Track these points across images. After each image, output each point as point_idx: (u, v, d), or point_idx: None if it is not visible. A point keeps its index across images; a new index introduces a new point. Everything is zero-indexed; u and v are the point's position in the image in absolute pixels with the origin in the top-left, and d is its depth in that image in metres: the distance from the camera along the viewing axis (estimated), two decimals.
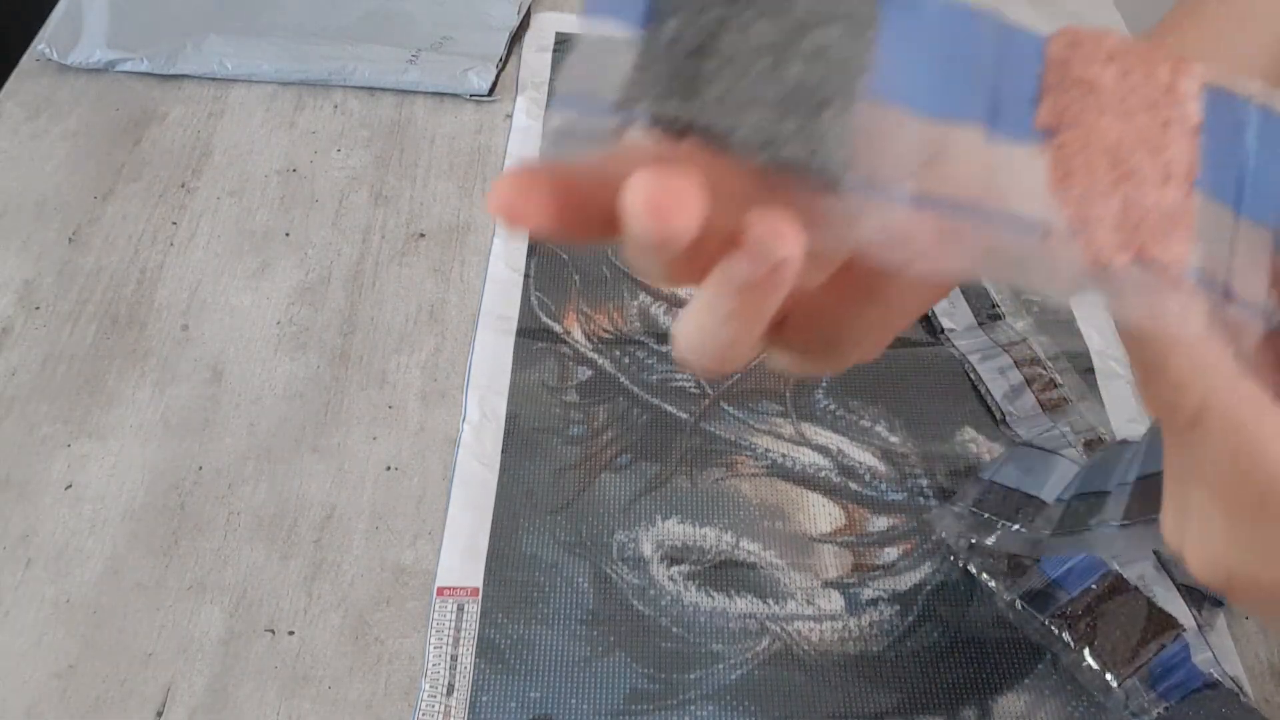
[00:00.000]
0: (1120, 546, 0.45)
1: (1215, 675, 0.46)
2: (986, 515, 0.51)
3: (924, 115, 0.20)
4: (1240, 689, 0.47)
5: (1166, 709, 0.45)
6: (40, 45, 0.73)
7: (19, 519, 0.52)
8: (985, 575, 0.51)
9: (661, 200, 0.18)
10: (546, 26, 0.79)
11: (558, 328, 0.61)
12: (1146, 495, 0.44)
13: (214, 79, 0.73)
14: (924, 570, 0.52)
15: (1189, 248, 0.22)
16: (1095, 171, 0.22)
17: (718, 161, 0.19)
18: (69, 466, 0.54)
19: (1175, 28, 0.40)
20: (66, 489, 0.53)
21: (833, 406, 0.58)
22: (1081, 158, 0.22)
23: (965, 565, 0.51)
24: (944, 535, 0.52)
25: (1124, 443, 0.51)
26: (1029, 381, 0.59)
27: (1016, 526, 0.49)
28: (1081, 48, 0.23)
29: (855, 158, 0.19)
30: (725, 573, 0.51)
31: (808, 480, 0.55)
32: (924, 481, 0.55)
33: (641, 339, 0.60)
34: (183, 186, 0.67)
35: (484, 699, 0.46)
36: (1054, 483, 0.50)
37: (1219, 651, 0.48)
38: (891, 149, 0.20)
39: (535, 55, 0.76)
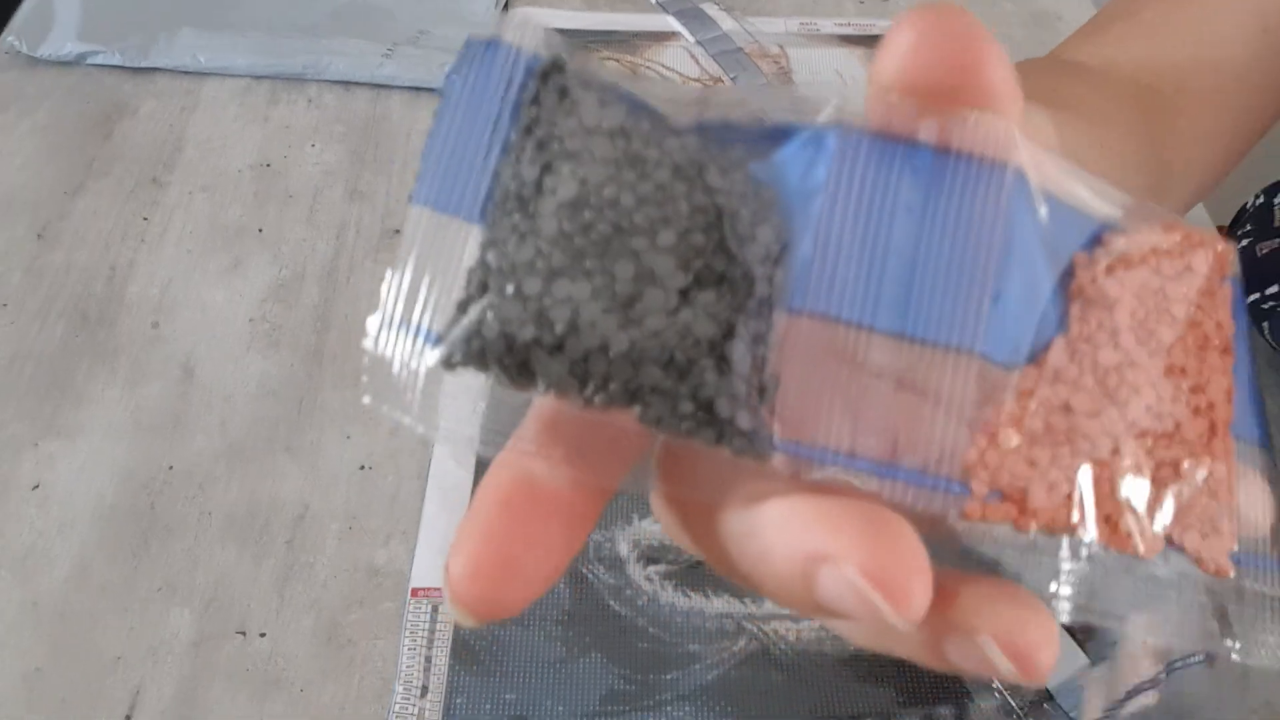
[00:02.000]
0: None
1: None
2: None
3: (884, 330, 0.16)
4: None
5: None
6: (9, 37, 0.72)
7: None
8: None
9: (897, 584, 0.15)
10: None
11: None
12: None
13: (187, 72, 0.72)
14: None
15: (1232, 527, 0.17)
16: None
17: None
18: (36, 466, 0.53)
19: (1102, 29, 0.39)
20: (34, 489, 0.52)
21: None
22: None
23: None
24: None
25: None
26: None
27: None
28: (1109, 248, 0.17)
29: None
30: (702, 572, 0.51)
31: None
32: None
33: None
34: (154, 181, 0.66)
35: (458, 701, 0.46)
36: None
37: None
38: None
39: None
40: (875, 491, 0.16)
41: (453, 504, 0.52)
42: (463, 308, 0.15)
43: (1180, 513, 0.17)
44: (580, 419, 0.16)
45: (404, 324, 0.16)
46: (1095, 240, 0.17)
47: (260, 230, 0.64)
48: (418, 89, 0.72)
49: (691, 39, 0.76)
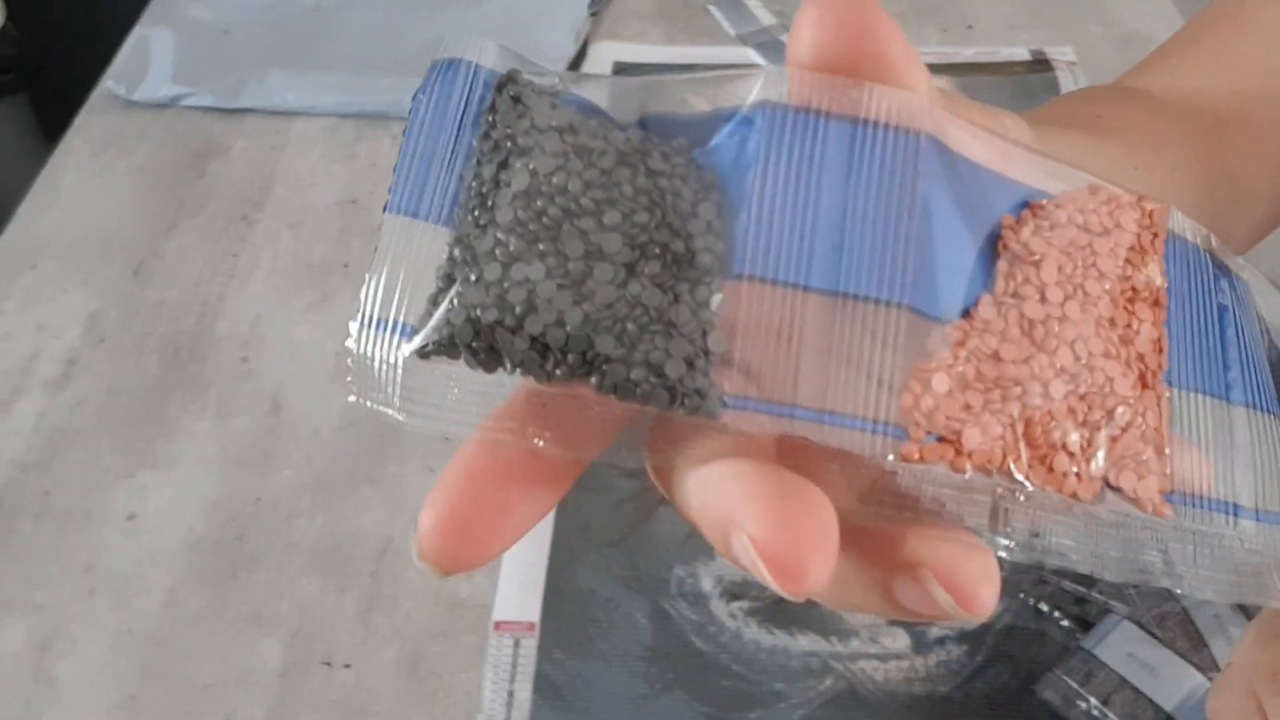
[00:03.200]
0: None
1: None
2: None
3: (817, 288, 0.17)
4: None
5: None
6: (108, 82, 0.74)
7: (84, 549, 0.52)
8: (1058, 613, 0.49)
9: (789, 563, 0.15)
10: (603, 56, 0.79)
11: None
12: None
13: (276, 112, 0.74)
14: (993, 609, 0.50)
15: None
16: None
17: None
18: (131, 497, 0.54)
19: (1168, 59, 0.38)
20: (129, 519, 0.53)
21: None
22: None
23: (1036, 604, 0.50)
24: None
25: None
26: None
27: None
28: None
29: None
30: (787, 609, 0.50)
31: None
32: None
33: None
34: (244, 219, 0.68)
35: None
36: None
37: None
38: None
39: None
40: (816, 438, 0.16)
41: (535, 539, 0.52)
42: (433, 301, 0.17)
43: (1114, 456, 0.18)
44: (549, 394, 0.17)
45: (381, 323, 0.17)
46: (1025, 205, 0.18)
47: (346, 266, 0.65)
48: None
49: None
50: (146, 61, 0.76)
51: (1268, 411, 0.20)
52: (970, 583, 0.17)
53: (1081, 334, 0.18)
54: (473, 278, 0.16)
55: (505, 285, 0.16)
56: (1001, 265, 0.18)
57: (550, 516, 0.53)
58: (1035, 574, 0.50)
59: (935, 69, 0.76)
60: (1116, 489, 0.18)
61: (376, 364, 0.17)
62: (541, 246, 0.16)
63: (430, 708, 0.47)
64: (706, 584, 0.51)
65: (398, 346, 0.17)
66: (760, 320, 0.16)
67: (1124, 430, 0.18)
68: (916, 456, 0.17)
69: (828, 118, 0.17)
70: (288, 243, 0.66)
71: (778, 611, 0.50)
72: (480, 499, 0.18)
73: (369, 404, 0.17)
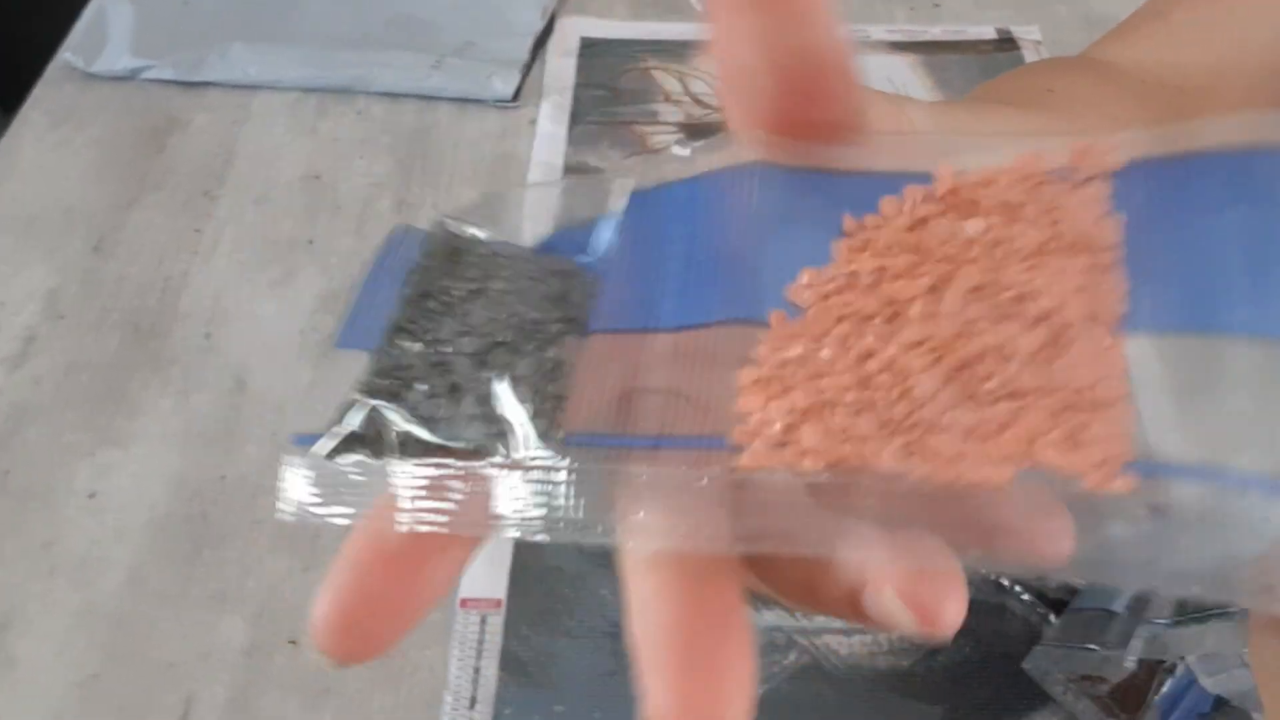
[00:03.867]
0: (1170, 646, 0.39)
1: (1224, 693, 0.45)
2: (1072, 645, 0.47)
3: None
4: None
5: None
6: (66, 54, 0.73)
7: (42, 527, 0.51)
8: (1018, 588, 0.50)
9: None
10: (571, 31, 0.78)
11: None
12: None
13: (238, 86, 0.73)
14: None
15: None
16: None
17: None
18: (92, 474, 0.53)
19: (1136, 30, 0.38)
20: (90, 497, 0.53)
21: None
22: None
23: (996, 579, 0.50)
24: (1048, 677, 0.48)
25: None
26: None
27: (1094, 647, 0.45)
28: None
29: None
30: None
31: None
32: None
33: None
34: (206, 194, 0.67)
35: (507, 712, 0.46)
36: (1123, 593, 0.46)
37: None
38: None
39: (560, 60, 0.76)
40: (649, 464, 0.17)
41: None
42: (342, 411, 0.19)
43: (1027, 430, 0.15)
44: (425, 476, 0.18)
45: (309, 437, 0.19)
46: (878, 199, 0.18)
47: (310, 242, 0.64)
48: (465, 101, 0.73)
49: None
50: (105, 33, 0.74)
51: None
52: (933, 602, 0.16)
53: (943, 310, 0.16)
54: (373, 385, 0.19)
55: (396, 389, 0.18)
56: (842, 257, 0.18)
57: None
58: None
59: (902, 47, 0.76)
60: (1040, 465, 0.15)
61: (293, 471, 0.19)
62: (421, 344, 0.19)
63: (396, 685, 0.47)
64: None
65: (314, 453, 0.19)
66: (607, 366, 0.18)
67: (1045, 397, 0.16)
68: (757, 464, 0.16)
69: (670, 186, 0.19)
70: (251, 218, 0.65)
71: None
72: (367, 590, 0.17)
73: (293, 515, 0.19)
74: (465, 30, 0.76)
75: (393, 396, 0.18)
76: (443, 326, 0.19)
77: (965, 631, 0.49)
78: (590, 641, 0.48)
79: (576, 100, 0.73)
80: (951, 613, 0.15)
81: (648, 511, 0.16)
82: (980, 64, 0.75)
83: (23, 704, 0.46)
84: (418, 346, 0.19)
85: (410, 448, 0.18)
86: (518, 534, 0.17)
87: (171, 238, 0.64)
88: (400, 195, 0.67)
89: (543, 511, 0.17)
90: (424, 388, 0.18)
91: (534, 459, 0.17)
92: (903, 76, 0.73)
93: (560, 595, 0.50)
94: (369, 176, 0.68)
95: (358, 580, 0.17)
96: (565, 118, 0.72)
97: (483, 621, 0.49)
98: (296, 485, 0.19)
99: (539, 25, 0.77)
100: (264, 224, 0.65)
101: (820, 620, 0.49)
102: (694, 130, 0.70)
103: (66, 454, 0.54)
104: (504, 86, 0.72)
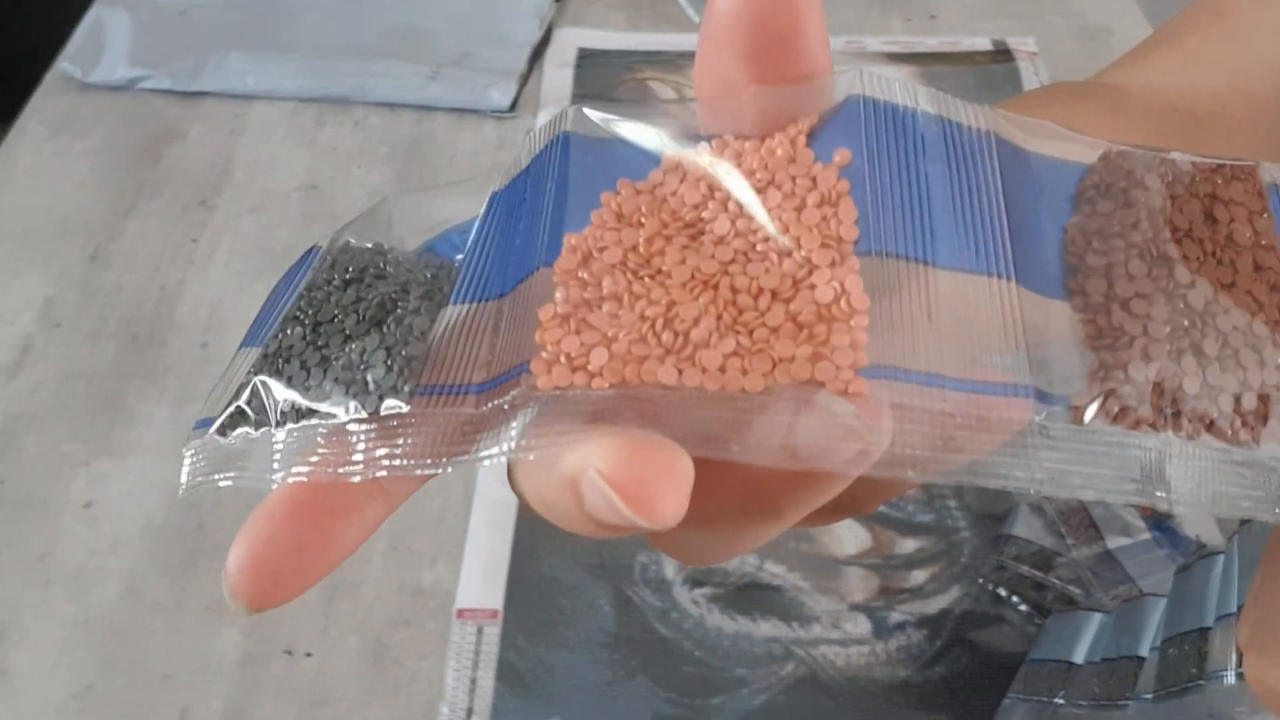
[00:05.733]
0: None
1: None
2: (1039, 699, 0.46)
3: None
4: None
5: None
6: (63, 63, 0.73)
7: (38, 537, 0.51)
8: (1015, 598, 0.50)
9: (639, 491, 0.17)
10: (568, 42, 0.79)
11: None
12: (1175, 663, 0.38)
13: (235, 96, 0.73)
14: (952, 594, 0.51)
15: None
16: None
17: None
18: (89, 485, 0.53)
19: (1156, 50, 0.38)
20: (86, 507, 0.52)
21: None
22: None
23: (994, 589, 0.50)
24: None
25: (1153, 597, 0.45)
26: None
27: (1060, 701, 0.44)
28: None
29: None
30: (749, 595, 0.50)
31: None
32: (952, 503, 0.54)
33: None
34: (203, 204, 0.67)
35: None
36: (1083, 642, 0.45)
37: None
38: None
39: (557, 71, 0.76)
40: (472, 404, 0.19)
41: (498, 526, 0.52)
42: (234, 395, 0.22)
43: (777, 348, 0.18)
44: (305, 438, 0.20)
45: (207, 421, 0.22)
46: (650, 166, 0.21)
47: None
48: (462, 111, 0.73)
49: None
50: (102, 43, 0.74)
51: (984, 273, 0.19)
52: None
53: (709, 251, 0.19)
54: (260, 363, 0.22)
55: (279, 365, 0.21)
56: (617, 203, 0.20)
57: (514, 504, 0.53)
58: (994, 560, 0.51)
59: (898, 58, 0.76)
60: (795, 381, 0.18)
61: (196, 449, 0.22)
62: (302, 329, 0.22)
63: (393, 696, 0.47)
64: (670, 571, 0.51)
65: (212, 431, 0.22)
66: (460, 330, 0.20)
67: (792, 320, 0.18)
68: (551, 384, 0.18)
69: (513, 180, 0.22)
70: (248, 228, 0.65)
71: (740, 598, 0.50)
72: (276, 538, 0.19)
73: (200, 482, 0.22)
74: (463, 41, 0.77)
75: (275, 373, 0.21)
76: (322, 311, 0.22)
77: (962, 643, 0.49)
78: (587, 652, 0.48)
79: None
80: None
81: (486, 442, 0.19)
82: (976, 75, 0.75)
83: (18, 715, 0.46)
84: (299, 330, 0.22)
85: (289, 416, 0.21)
86: (384, 473, 0.20)
87: (168, 247, 0.64)
88: None
89: (398, 453, 0.19)
90: (298, 363, 0.21)
91: (386, 410, 0.20)
92: None
93: (557, 606, 0.50)
94: (366, 186, 0.68)
95: (268, 530, 0.19)
96: None
97: (479, 632, 0.49)
98: (193, 464, 0.22)
99: (536, 36, 0.77)
100: (261, 234, 0.65)
101: (818, 631, 0.49)
102: None
103: (62, 464, 0.54)
104: (501, 97, 0.73)
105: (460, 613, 0.49)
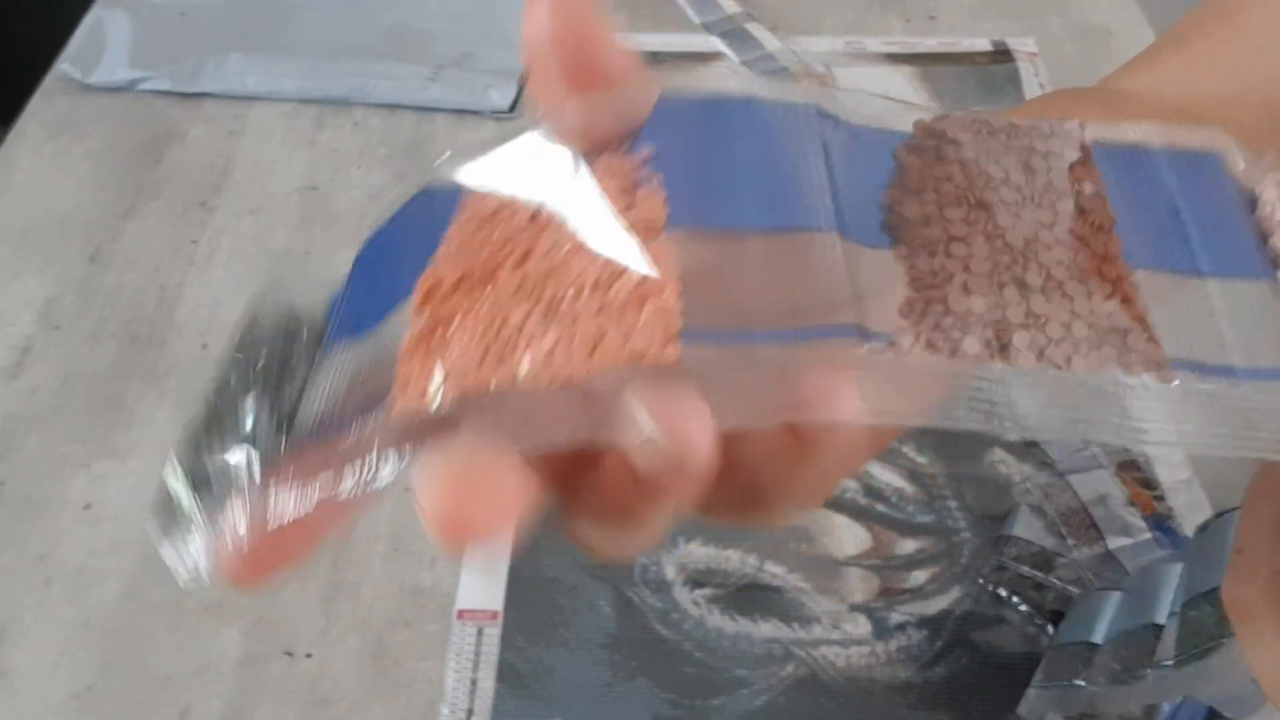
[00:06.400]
0: (1176, 688, 0.38)
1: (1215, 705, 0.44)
2: (1061, 683, 0.45)
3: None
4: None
5: None
6: (63, 65, 0.73)
7: (38, 538, 0.51)
8: (1016, 599, 0.50)
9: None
10: None
11: None
12: (1196, 625, 0.37)
13: (235, 97, 0.73)
14: (953, 595, 0.51)
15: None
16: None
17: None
18: (88, 486, 0.53)
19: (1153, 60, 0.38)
20: (86, 509, 0.52)
21: None
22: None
23: (994, 590, 0.50)
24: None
25: (1171, 560, 0.45)
26: None
27: (1081, 683, 0.44)
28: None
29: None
30: (750, 596, 0.50)
31: (834, 501, 0.54)
32: (953, 503, 0.54)
33: None
34: (203, 205, 0.67)
35: None
36: (1103, 621, 0.44)
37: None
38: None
39: None
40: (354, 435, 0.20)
41: None
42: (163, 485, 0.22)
43: (599, 335, 0.19)
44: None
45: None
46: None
47: (306, 253, 0.64)
48: (462, 112, 0.73)
49: (736, 60, 0.76)
50: (102, 44, 0.74)
51: (803, 228, 0.20)
52: (683, 418, 0.18)
53: (533, 266, 0.20)
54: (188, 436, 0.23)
55: (196, 436, 0.22)
56: (457, 231, 0.22)
57: None
58: (994, 561, 0.51)
59: (898, 59, 0.76)
60: (614, 362, 0.19)
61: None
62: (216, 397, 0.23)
63: (393, 697, 0.47)
64: (670, 572, 0.51)
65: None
66: (335, 371, 0.22)
67: (610, 306, 0.19)
68: (401, 411, 0.19)
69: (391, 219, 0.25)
70: (248, 229, 0.65)
71: (740, 599, 0.50)
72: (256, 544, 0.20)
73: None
74: (463, 41, 0.77)
75: (190, 451, 0.22)
76: (233, 380, 0.23)
77: (963, 643, 0.49)
78: (587, 653, 0.48)
79: None
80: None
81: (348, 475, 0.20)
82: (975, 75, 0.75)
83: (18, 715, 0.46)
84: (214, 399, 0.23)
85: (204, 486, 0.22)
86: (289, 519, 0.20)
87: (168, 248, 0.64)
88: (397, 206, 0.67)
89: (290, 495, 0.20)
90: (205, 433, 0.22)
91: (266, 457, 0.21)
92: (899, 88, 0.73)
93: (557, 607, 0.50)
94: (366, 188, 0.68)
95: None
96: None
97: (479, 633, 0.49)
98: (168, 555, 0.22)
99: None
100: (260, 235, 0.65)
101: (818, 632, 0.49)
102: None
103: (62, 465, 0.54)
104: (501, 98, 0.73)
105: (460, 613, 0.49)
